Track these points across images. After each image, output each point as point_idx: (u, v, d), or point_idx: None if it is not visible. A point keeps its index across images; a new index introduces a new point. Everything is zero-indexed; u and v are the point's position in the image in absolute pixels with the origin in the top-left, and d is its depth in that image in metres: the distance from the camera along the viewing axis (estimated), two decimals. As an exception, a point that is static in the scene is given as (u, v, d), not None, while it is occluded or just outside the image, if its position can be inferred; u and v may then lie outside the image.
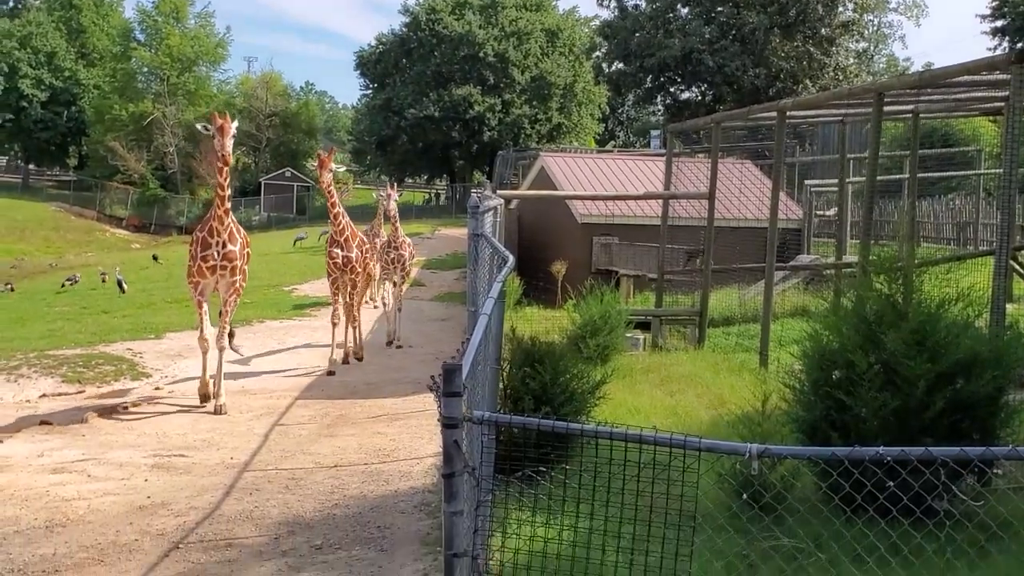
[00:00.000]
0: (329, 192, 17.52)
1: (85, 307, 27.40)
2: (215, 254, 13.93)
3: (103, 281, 33.91)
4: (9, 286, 36.19)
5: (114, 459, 11.44)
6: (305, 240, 48.92)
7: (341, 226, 17.49)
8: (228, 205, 14.16)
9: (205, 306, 14.35)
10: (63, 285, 34.03)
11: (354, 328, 18.73)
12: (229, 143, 13.69)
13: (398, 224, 21.08)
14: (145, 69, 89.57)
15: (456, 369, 4.16)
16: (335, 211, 17.47)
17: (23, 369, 16.89)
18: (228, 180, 14.00)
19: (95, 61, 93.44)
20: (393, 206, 20.96)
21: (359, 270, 17.96)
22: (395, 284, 20.88)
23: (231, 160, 13.94)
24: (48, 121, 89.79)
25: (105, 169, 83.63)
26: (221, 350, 14.33)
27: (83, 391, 15.68)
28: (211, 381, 14.38)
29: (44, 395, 15.38)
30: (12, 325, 23.91)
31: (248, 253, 14.75)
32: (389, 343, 20.38)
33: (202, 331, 14.27)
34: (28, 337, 21.07)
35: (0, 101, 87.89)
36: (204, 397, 14.38)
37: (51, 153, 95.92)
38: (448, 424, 4.19)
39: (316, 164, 17.73)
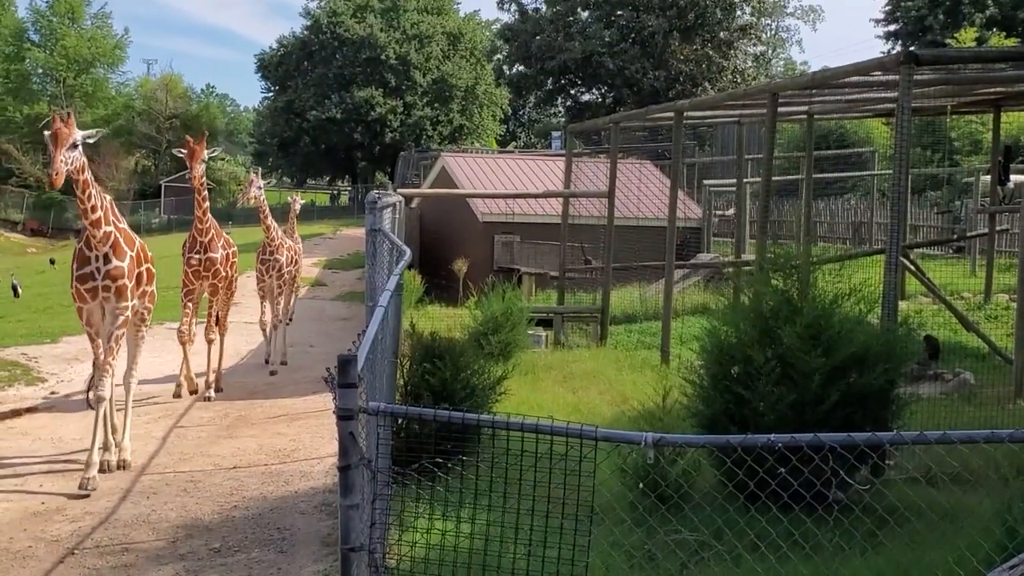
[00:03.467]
0: (201, 187, 14.58)
1: (-27, 315, 26.67)
2: (95, 272, 10.76)
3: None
4: None
5: (8, 465, 11.16)
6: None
7: (207, 226, 14.88)
8: (99, 214, 10.68)
9: (99, 340, 11.00)
10: None
11: (215, 348, 15.85)
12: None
13: (269, 222, 17.61)
14: (40, 70, 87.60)
15: (351, 360, 4.13)
16: (204, 206, 14.78)
17: (-93, 379, 16.36)
18: (88, 191, 10.50)
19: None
20: (255, 194, 17.31)
21: (223, 274, 15.27)
22: (265, 295, 18.02)
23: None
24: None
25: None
26: (128, 388, 11.66)
27: (-28, 399, 15.25)
28: (99, 440, 10.80)
29: (-69, 405, 14.90)
30: (-100, 333, 23.15)
31: (147, 272, 11.63)
32: (267, 362, 17.78)
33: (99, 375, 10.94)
34: (-89, 348, 20.41)
35: None
36: (97, 468, 10.60)
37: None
38: (343, 416, 4.15)
39: (185, 154, 14.46)
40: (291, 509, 9.48)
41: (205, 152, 14.62)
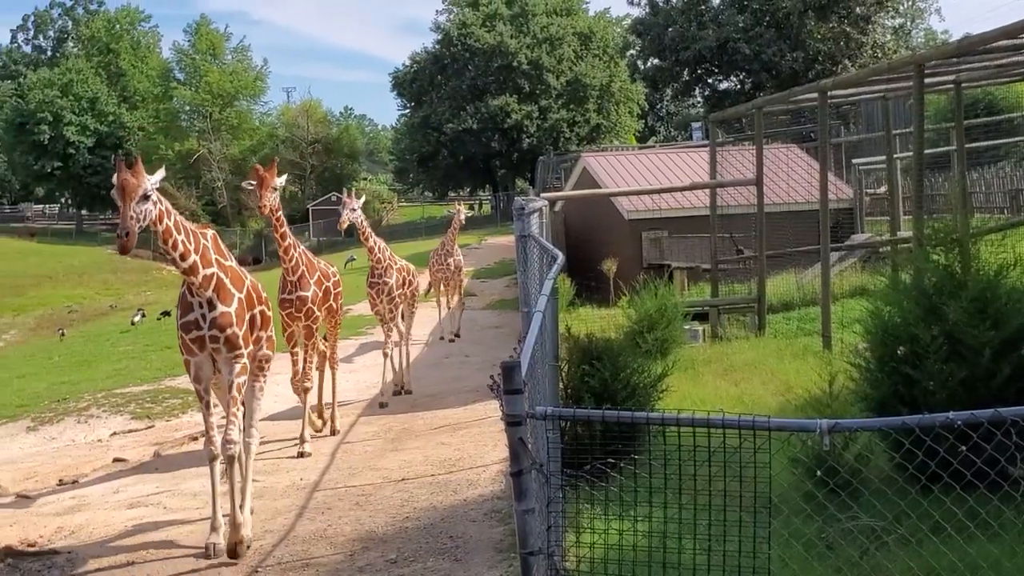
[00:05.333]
0: (278, 220, 12.61)
1: (148, 344, 27.60)
2: (199, 320, 9.20)
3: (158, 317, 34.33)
4: (60, 332, 37.24)
5: (188, 490, 11.53)
6: (355, 262, 49.28)
7: (293, 261, 13.27)
8: (193, 259, 8.98)
9: (208, 398, 9.59)
10: (132, 323, 34.51)
11: (305, 392, 13.73)
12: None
13: (371, 243, 16.08)
14: (187, 107, 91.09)
15: (515, 366, 4.14)
16: (285, 243, 13.08)
17: (92, 409, 17.07)
18: (172, 239, 8.74)
19: (137, 104, 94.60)
20: (348, 217, 15.38)
21: (316, 313, 13.58)
22: (384, 320, 16.46)
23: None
24: (96, 166, 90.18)
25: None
26: (247, 449, 10.05)
27: (152, 426, 15.83)
28: (240, 511, 9.43)
29: (115, 433, 15.55)
30: (78, 368, 24.21)
31: (261, 315, 10.02)
32: (382, 404, 16.09)
33: (209, 436, 9.40)
34: (94, 378, 21.30)
35: (47, 149, 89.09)
36: (231, 552, 9.06)
37: (102, 197, 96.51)
38: (512, 422, 4.16)
39: (255, 185, 12.14)
40: (461, 517, 9.56)
41: (276, 180, 12.25)
